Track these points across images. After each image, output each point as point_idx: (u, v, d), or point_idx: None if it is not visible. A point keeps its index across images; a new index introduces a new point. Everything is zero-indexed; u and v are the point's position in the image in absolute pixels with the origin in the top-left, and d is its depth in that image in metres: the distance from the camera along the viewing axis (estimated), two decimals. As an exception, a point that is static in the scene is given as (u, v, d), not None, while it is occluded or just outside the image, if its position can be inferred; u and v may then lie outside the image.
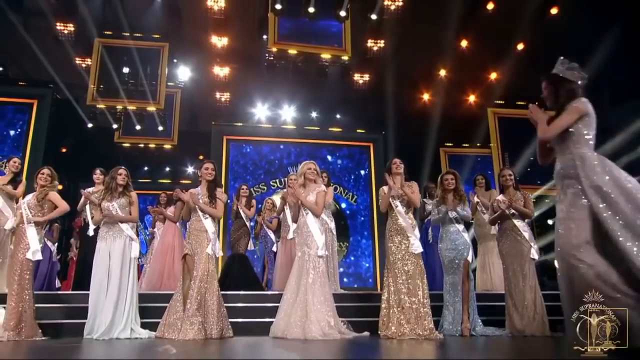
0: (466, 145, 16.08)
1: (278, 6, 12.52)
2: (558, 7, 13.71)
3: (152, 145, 16.66)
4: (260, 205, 10.64)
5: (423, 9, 13.81)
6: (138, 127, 15.41)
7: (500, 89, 15.22)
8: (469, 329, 6.06)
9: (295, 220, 6.31)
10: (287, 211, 8.37)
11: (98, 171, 8.51)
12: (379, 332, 5.78)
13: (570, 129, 3.73)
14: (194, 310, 5.65)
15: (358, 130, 16.45)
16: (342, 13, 12.79)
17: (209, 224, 6.04)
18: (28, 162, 13.60)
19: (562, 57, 3.99)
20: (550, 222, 12.75)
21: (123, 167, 6.42)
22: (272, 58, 13.88)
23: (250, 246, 9.14)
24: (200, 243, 5.97)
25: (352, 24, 13.94)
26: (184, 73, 16.96)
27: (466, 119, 15.69)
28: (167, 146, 16.60)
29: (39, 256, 5.94)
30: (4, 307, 5.85)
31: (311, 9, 12.56)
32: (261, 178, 15.24)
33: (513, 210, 6.26)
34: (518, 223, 6.27)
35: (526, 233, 6.25)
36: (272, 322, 6.02)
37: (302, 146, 15.88)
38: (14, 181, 7.80)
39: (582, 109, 3.73)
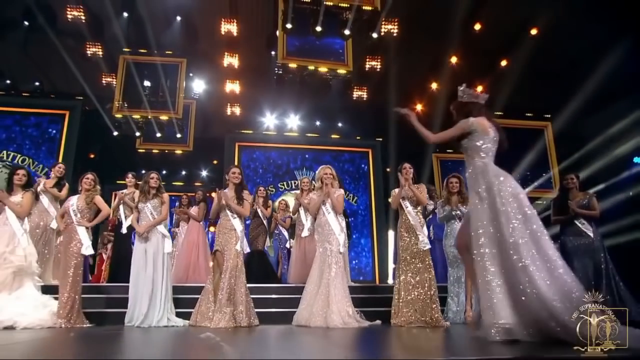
0: (450, 150, 16.10)
1: (288, 25, 12.61)
2: (538, 28, 13.80)
3: (169, 151, 16.67)
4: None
5: (417, 29, 13.92)
6: (158, 135, 15.51)
7: (488, 100, 15.29)
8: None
9: (314, 217, 6.35)
10: (302, 211, 8.40)
11: (130, 175, 8.63)
12: (391, 321, 5.84)
13: (463, 143, 4.14)
14: (225, 301, 5.70)
15: (357, 138, 16.50)
16: (346, 32, 12.87)
17: (237, 223, 6.10)
18: (60, 167, 13.68)
19: (463, 85, 4.47)
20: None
21: (155, 172, 6.50)
22: (281, 72, 13.95)
23: (268, 242, 9.19)
24: (229, 240, 6.03)
25: (352, 41, 14.07)
26: (198, 86, 17.05)
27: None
28: (183, 152, 16.64)
29: (90, 251, 6.00)
30: (54, 298, 5.91)
31: (318, 28, 12.67)
32: (270, 181, 15.29)
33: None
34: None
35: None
36: (289, 311, 6.11)
37: (307, 152, 15.93)
38: (59, 184, 7.87)
39: (465, 126, 4.12)
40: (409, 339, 4.57)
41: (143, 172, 16.31)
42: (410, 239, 5.98)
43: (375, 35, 13.12)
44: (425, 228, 6.06)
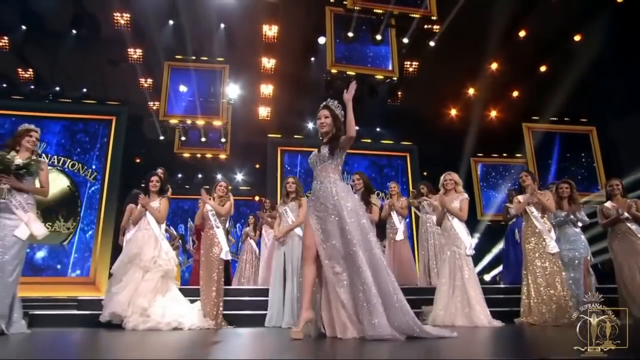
0: (495, 155, 16.43)
1: (350, 34, 12.86)
2: (581, 35, 14.17)
3: (206, 156, 16.85)
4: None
5: (457, 35, 14.18)
6: (203, 139, 15.68)
7: (525, 106, 15.70)
8: (595, 318, 6.39)
9: (439, 223, 6.59)
10: (394, 215, 8.62)
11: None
12: (521, 319, 6.12)
13: (333, 160, 4.41)
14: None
15: (385, 141, 16.78)
16: (405, 40, 13.14)
17: (366, 228, 6.31)
18: (109, 172, 13.88)
19: (330, 99, 4.68)
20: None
21: (293, 177, 6.74)
22: (329, 78, 14.17)
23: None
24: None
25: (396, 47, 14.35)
26: (234, 91, 17.20)
27: (492, 132, 16.12)
28: (221, 156, 16.82)
29: (229, 256, 6.20)
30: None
31: (378, 37, 12.98)
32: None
33: (627, 215, 6.61)
34: (632, 226, 6.62)
35: (640, 234, 6.62)
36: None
37: (347, 156, 16.03)
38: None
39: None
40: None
41: (180, 175, 16.56)
42: (537, 243, 6.27)
43: (432, 43, 13.34)
44: (553, 232, 6.32)
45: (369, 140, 16.72)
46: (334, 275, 4.04)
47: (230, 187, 6.80)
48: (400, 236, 8.43)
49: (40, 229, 4.75)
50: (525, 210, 6.45)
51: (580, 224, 6.93)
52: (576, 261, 6.57)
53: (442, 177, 6.65)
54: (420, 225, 9.00)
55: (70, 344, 4.31)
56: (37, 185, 4.95)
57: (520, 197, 6.54)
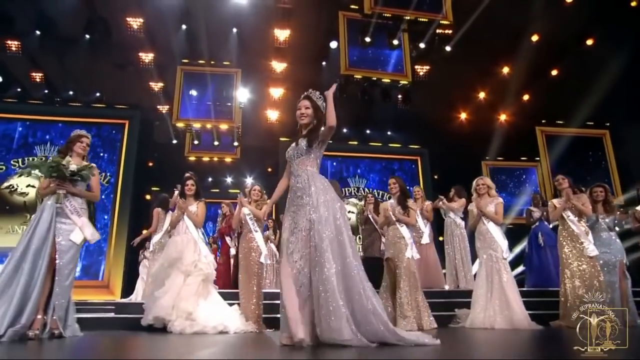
0: (501, 158, 16.48)
1: (367, 39, 12.93)
2: (594, 39, 14.25)
3: (216, 159, 16.89)
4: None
5: (469, 40, 14.25)
6: (216, 143, 15.74)
7: (536, 110, 15.76)
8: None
9: (473, 229, 6.63)
10: (420, 219, 8.64)
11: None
12: (558, 322, 6.17)
13: (311, 153, 4.21)
14: (406, 306, 5.97)
15: (396, 145, 16.86)
16: (422, 45, 13.20)
17: (405, 231, 6.38)
18: (123, 174, 13.93)
19: (312, 90, 4.44)
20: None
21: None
22: (342, 82, 14.23)
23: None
24: (399, 248, 6.30)
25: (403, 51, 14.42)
26: (244, 94, 17.22)
27: (503, 136, 16.16)
28: (232, 160, 16.86)
29: (268, 260, 6.21)
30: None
31: (395, 42, 13.02)
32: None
33: (655, 218, 6.68)
34: (662, 228, 6.69)
35: (671, 236, 6.68)
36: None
37: (359, 160, 16.28)
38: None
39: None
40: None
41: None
42: (574, 245, 6.32)
43: (448, 48, 13.41)
44: (590, 235, 6.36)
45: (380, 144, 16.80)
46: (295, 270, 3.85)
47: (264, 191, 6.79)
48: (426, 239, 8.49)
49: (93, 233, 4.80)
50: (562, 214, 6.50)
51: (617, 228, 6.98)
52: (611, 265, 6.62)
53: (474, 182, 6.70)
54: (445, 228, 9.05)
55: (131, 346, 4.35)
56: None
57: (556, 202, 6.60)
